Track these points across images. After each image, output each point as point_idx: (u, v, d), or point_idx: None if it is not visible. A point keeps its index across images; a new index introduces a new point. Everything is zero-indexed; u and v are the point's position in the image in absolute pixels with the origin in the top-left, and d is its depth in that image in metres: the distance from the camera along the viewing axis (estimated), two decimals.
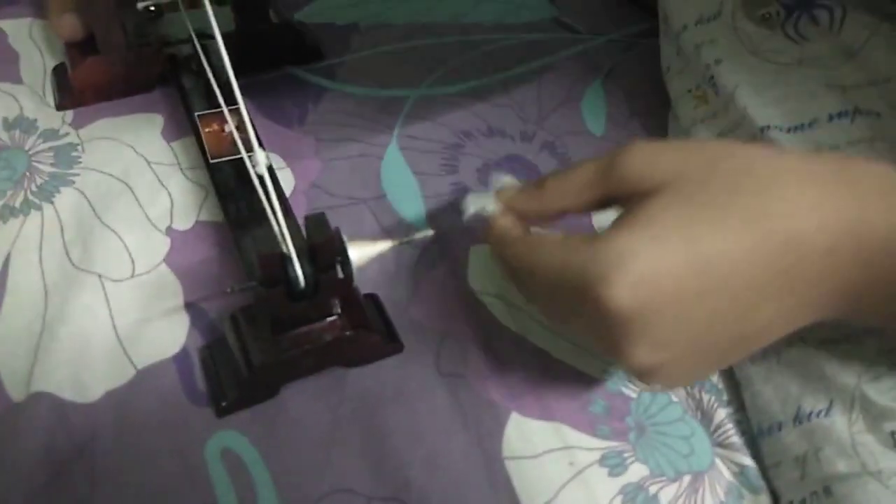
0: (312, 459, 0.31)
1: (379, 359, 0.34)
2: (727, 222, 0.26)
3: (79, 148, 0.42)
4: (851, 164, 0.28)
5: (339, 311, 0.32)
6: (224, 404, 0.32)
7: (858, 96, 0.40)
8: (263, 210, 0.30)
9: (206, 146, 0.38)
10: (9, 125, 0.42)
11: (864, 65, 0.40)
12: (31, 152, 0.41)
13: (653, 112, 0.48)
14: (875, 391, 0.33)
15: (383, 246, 0.31)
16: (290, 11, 0.51)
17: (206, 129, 0.39)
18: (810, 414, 0.34)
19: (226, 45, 0.31)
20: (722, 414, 0.36)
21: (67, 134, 0.42)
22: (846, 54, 0.41)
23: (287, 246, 0.29)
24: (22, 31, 0.48)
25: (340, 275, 0.30)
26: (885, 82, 0.39)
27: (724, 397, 0.36)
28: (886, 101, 0.39)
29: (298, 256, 0.29)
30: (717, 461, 0.35)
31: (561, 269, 0.27)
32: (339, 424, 0.33)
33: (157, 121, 0.43)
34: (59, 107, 0.44)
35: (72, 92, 0.44)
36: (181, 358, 0.34)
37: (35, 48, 0.47)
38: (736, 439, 0.35)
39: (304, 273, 0.29)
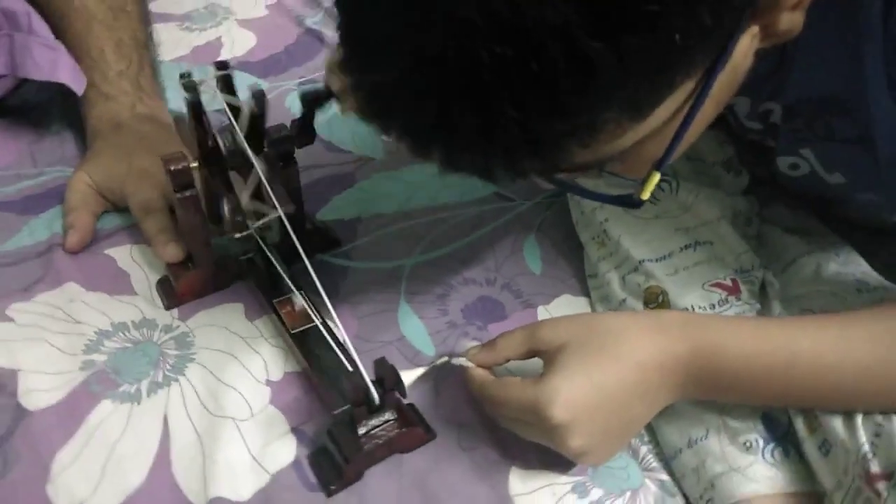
0: None
1: (422, 445, 0.53)
2: (605, 362, 0.47)
3: (190, 335, 0.61)
4: (663, 316, 0.52)
5: (395, 416, 0.51)
6: (332, 487, 0.50)
7: (697, 233, 0.63)
8: (332, 359, 0.50)
9: (285, 322, 0.58)
10: (137, 326, 0.61)
11: (697, 213, 0.63)
12: (158, 343, 0.60)
13: (574, 252, 0.70)
14: (731, 419, 0.53)
15: (418, 372, 0.51)
16: (311, 214, 0.73)
17: (283, 310, 0.59)
18: (697, 440, 0.54)
19: (278, 245, 0.51)
20: (644, 450, 0.55)
21: (179, 326, 0.61)
22: (684, 208, 0.64)
23: (366, 379, 0.48)
24: (125, 256, 0.67)
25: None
26: (711, 223, 0.62)
27: (645, 437, 0.56)
28: (714, 235, 0.62)
29: (374, 385, 0.48)
30: (646, 480, 0.54)
31: (521, 400, 0.48)
32: (403, 491, 0.51)
33: (239, 307, 0.63)
34: (168, 307, 0.63)
35: (175, 296, 0.63)
36: (296, 464, 0.52)
37: (137, 266, 0.66)
38: (655, 464, 0.55)
39: (378, 395, 0.48)
